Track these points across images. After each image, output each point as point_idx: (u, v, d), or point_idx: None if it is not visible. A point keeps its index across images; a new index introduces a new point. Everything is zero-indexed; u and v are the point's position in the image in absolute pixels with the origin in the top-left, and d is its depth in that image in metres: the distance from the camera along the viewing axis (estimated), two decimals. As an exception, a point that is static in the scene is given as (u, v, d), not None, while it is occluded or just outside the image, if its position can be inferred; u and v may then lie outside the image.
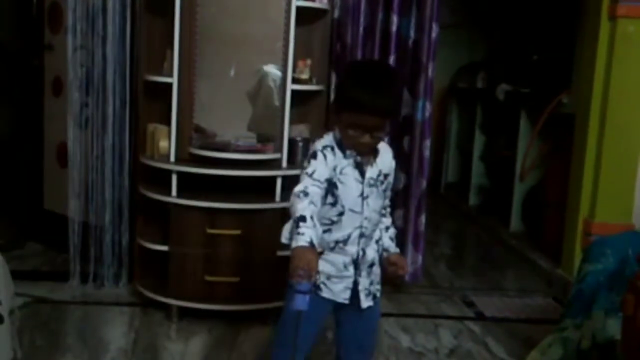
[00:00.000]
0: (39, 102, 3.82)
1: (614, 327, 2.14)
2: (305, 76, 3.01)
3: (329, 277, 1.83)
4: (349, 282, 1.84)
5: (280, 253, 2.79)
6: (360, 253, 1.84)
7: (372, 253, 1.87)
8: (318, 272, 1.70)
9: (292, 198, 1.67)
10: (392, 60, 3.27)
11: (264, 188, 2.90)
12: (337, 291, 1.84)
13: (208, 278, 2.89)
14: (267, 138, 2.93)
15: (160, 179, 2.93)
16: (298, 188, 1.69)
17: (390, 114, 1.79)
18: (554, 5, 4.50)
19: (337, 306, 1.88)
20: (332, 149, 1.77)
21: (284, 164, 2.93)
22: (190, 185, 2.90)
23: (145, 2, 3.03)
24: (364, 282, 1.86)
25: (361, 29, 3.25)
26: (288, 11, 2.86)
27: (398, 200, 3.41)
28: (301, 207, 1.63)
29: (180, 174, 2.87)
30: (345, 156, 1.78)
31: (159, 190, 2.93)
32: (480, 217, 5.23)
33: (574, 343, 2.35)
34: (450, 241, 4.87)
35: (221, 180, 2.88)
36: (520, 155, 4.60)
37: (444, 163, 6.15)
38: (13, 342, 2.15)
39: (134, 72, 3.18)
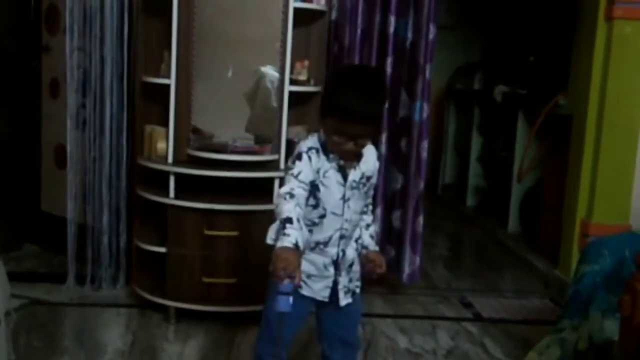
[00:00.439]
0: (37, 104, 3.82)
1: (611, 328, 2.14)
2: (302, 77, 3.01)
3: (309, 276, 1.86)
4: (329, 282, 1.88)
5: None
6: (340, 254, 1.86)
7: (351, 253, 1.90)
8: (301, 274, 1.71)
9: (278, 199, 1.69)
10: (389, 61, 3.27)
11: (261, 189, 2.90)
12: (317, 289, 1.87)
13: (205, 279, 2.89)
14: (264, 139, 2.93)
15: (158, 181, 2.93)
16: (284, 189, 1.71)
17: (377, 123, 1.80)
18: (550, 7, 4.51)
19: (317, 304, 1.91)
20: (317, 151, 1.78)
21: (282, 165, 2.93)
22: (188, 187, 2.90)
23: (143, 3, 3.03)
24: (343, 281, 1.89)
25: (359, 30, 3.25)
26: (286, 12, 2.86)
27: (395, 201, 3.41)
28: (287, 208, 1.64)
29: (177, 176, 2.87)
30: (328, 159, 1.79)
31: (157, 192, 2.93)
32: (477, 218, 5.24)
33: (571, 344, 2.35)
34: (447, 242, 4.87)
35: (219, 181, 2.88)
36: (518, 156, 4.61)
37: (442, 164, 6.15)
38: (7, 345, 2.14)
39: (131, 73, 3.18)
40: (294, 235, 1.59)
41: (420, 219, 3.38)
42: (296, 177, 1.73)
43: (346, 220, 1.84)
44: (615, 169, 3.46)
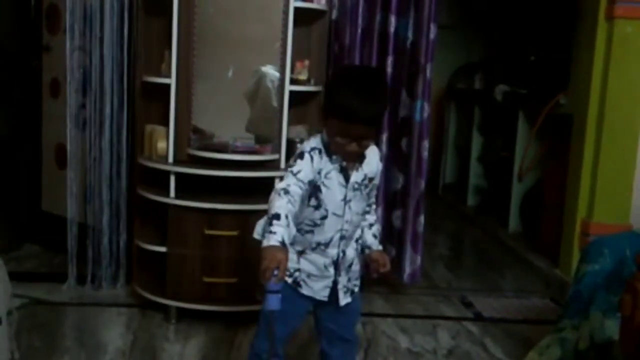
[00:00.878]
0: (37, 104, 3.82)
1: (611, 328, 2.14)
2: (303, 77, 3.01)
3: (309, 276, 1.86)
4: (328, 282, 1.88)
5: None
6: (341, 255, 1.87)
7: (352, 253, 1.90)
8: (289, 271, 1.76)
9: (273, 194, 1.69)
10: (390, 61, 3.27)
11: (262, 189, 2.89)
12: (317, 289, 1.88)
13: (206, 279, 2.89)
14: (265, 139, 2.93)
15: (158, 180, 2.93)
16: (280, 185, 1.70)
17: (379, 123, 1.80)
18: (551, 6, 4.51)
19: (316, 303, 1.91)
20: (320, 151, 1.78)
21: (282, 165, 2.93)
22: (188, 186, 2.90)
23: (143, 3, 3.03)
24: (342, 281, 1.89)
25: (359, 30, 3.25)
26: (286, 12, 2.86)
27: (396, 201, 3.41)
28: (278, 204, 1.63)
29: (178, 175, 2.87)
30: (331, 160, 1.79)
31: (157, 192, 2.93)
32: (478, 218, 5.24)
33: (571, 344, 2.35)
34: (448, 242, 4.87)
35: (219, 181, 2.87)
36: (518, 156, 4.61)
37: (442, 164, 6.15)
38: (11, 344, 2.14)
39: (131, 73, 3.18)
40: (280, 233, 1.58)
41: (421, 219, 3.39)
42: (295, 174, 1.73)
43: (347, 222, 1.84)
44: (616, 169, 3.46)
